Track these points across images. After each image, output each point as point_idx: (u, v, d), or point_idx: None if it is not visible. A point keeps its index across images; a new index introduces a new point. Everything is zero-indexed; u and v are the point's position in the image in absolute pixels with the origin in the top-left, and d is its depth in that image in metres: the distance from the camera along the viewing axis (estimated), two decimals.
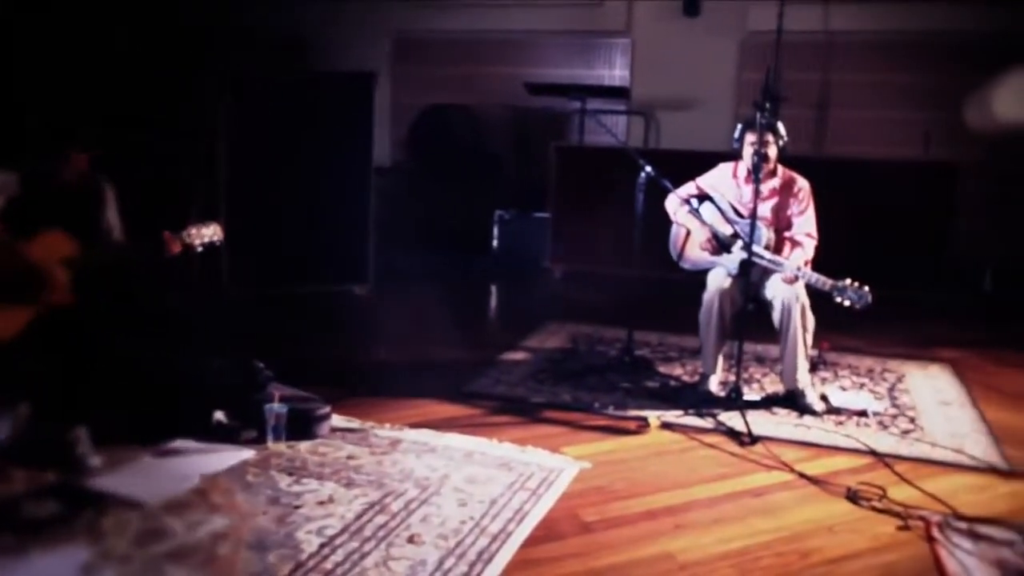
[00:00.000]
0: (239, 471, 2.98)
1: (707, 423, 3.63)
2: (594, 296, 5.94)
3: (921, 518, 2.81)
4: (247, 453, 3.11)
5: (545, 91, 7.03)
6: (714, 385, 4.00)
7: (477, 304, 5.95)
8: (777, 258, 3.83)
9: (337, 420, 3.46)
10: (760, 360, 4.57)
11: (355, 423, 3.47)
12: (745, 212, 3.96)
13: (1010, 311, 5.93)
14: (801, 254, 3.91)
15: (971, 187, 6.45)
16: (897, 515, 2.83)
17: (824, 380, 4.27)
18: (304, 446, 3.22)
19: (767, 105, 3.64)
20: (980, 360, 4.78)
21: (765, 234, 3.91)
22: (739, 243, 3.93)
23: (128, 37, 6.65)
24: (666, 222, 4.25)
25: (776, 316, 3.87)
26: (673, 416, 3.68)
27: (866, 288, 3.63)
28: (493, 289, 6.49)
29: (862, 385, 4.21)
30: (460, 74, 8.15)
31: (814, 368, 4.37)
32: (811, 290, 3.79)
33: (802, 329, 3.81)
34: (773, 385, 4.13)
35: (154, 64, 6.58)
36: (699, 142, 6.67)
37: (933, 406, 3.94)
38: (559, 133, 7.68)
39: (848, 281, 3.65)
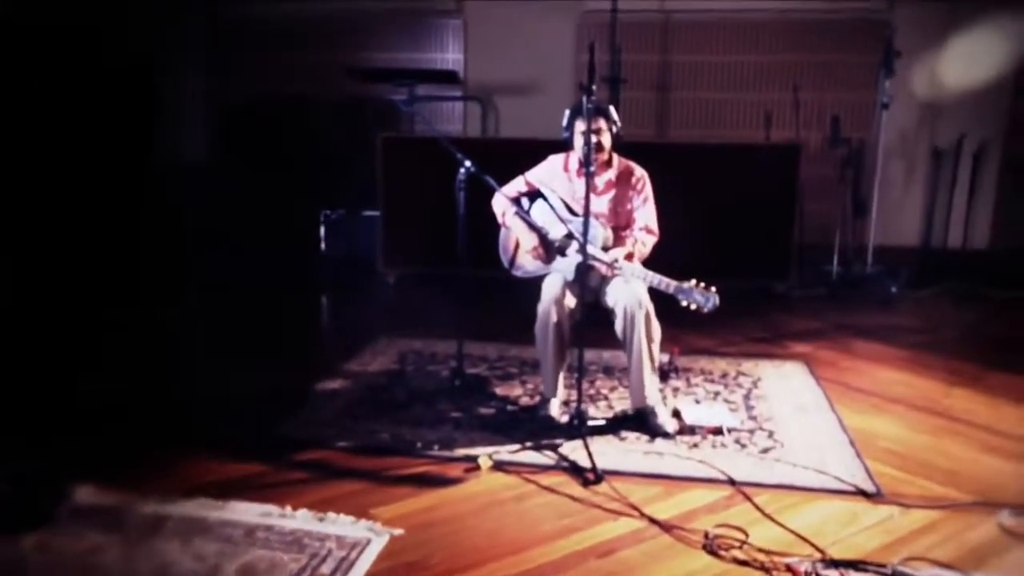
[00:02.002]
0: None
1: (547, 458, 3.13)
2: (429, 304, 5.36)
3: (788, 568, 2.40)
4: None
5: (367, 77, 6.36)
6: (555, 409, 3.51)
7: (299, 319, 5.24)
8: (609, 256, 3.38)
9: (85, 495, 2.73)
10: (608, 371, 4.13)
11: (109, 498, 2.75)
12: (579, 209, 3.49)
13: (854, 296, 5.80)
14: (625, 248, 3.46)
15: (816, 170, 6.30)
16: (761, 567, 2.42)
17: (676, 391, 3.88)
18: (30, 540, 2.49)
19: (594, 88, 3.16)
20: (832, 352, 4.54)
21: (602, 233, 3.44)
22: (575, 245, 3.45)
23: None
24: (493, 222, 3.72)
25: (619, 325, 3.41)
26: (508, 452, 3.17)
27: (712, 289, 3.22)
28: (321, 299, 5.79)
29: (716, 394, 3.84)
30: (283, 61, 7.34)
31: (665, 377, 3.98)
32: (656, 292, 3.35)
33: (647, 340, 3.37)
34: (622, 401, 3.69)
35: None
36: (542, 129, 6.17)
37: (791, 414, 3.61)
38: (395, 124, 7.03)
39: (693, 282, 3.24)
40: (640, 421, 3.44)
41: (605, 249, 3.43)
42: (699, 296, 3.21)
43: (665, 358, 4.00)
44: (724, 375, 4.11)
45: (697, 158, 5.78)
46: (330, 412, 3.56)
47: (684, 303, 3.24)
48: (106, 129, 6.01)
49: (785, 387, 3.95)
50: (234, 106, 7.21)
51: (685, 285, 3.23)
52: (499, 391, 3.86)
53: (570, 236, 3.51)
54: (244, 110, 7.27)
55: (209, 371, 4.13)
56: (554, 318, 3.41)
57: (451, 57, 7.28)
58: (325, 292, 5.91)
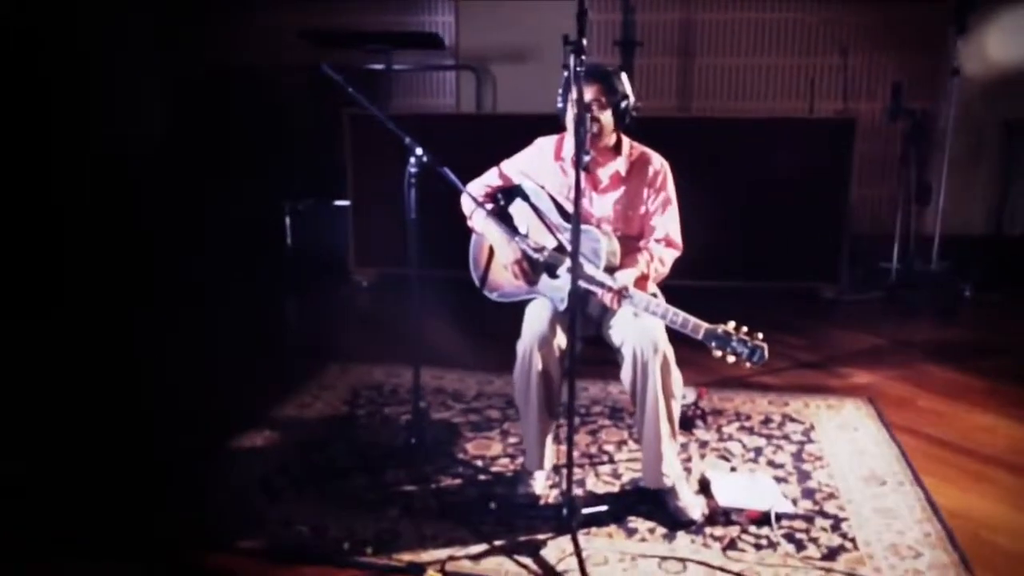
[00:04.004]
0: None
1: (523, 571, 2.22)
2: (402, 316, 4.43)
3: None
4: None
5: (327, 41, 5.40)
6: (540, 486, 2.59)
7: (238, 335, 4.27)
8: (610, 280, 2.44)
9: None
10: (616, 414, 3.20)
11: None
12: (584, 214, 2.58)
13: (917, 302, 4.81)
14: (638, 268, 2.53)
15: (866, 147, 5.30)
16: None
17: (704, 447, 2.94)
18: None
19: (583, 43, 2.20)
20: (901, 384, 3.57)
21: (606, 245, 2.50)
22: (568, 262, 2.52)
23: None
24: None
25: (626, 373, 2.48)
26: (469, 558, 2.26)
27: (759, 337, 2.28)
28: (276, 307, 4.86)
29: (758, 452, 2.90)
30: (244, 28, 6.30)
31: (689, 425, 3.05)
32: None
33: (664, 396, 2.44)
34: (634, 462, 2.77)
35: None
36: (547, 103, 5.21)
37: (861, 487, 2.66)
38: (375, 100, 6.01)
39: (731, 325, 2.29)
40: (656, 502, 2.52)
41: (610, 270, 2.49)
42: (740, 346, 2.26)
43: (689, 397, 3.08)
44: (766, 421, 3.17)
45: (727, 136, 4.81)
46: (238, 488, 2.66)
47: (718, 353, 2.30)
48: (40, 113, 5.13)
49: (848, 440, 3.00)
50: (188, 81, 6.25)
51: (720, 329, 2.28)
52: (471, 448, 2.94)
53: (561, 249, 2.57)
54: (200, 85, 6.31)
55: (80, 427, 3.16)
56: (539, 365, 2.48)
57: (440, 20, 6.30)
58: (284, 296, 5.00)
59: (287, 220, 5.56)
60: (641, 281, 2.51)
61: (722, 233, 4.51)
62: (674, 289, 2.70)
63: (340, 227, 5.24)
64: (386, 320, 4.38)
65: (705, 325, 2.30)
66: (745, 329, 2.29)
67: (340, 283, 5.06)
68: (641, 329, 2.44)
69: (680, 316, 2.34)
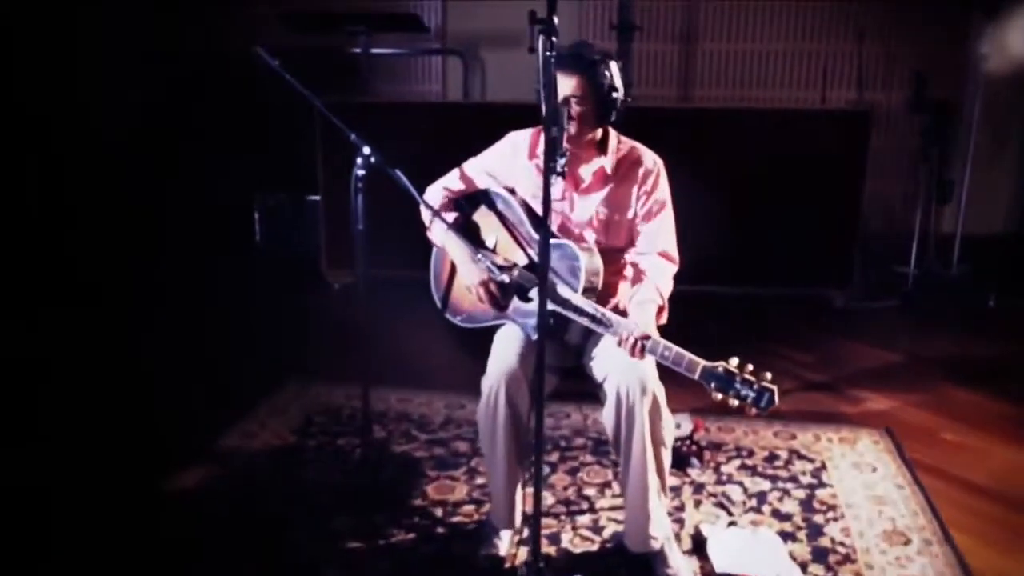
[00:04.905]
0: None
1: None
2: (374, 324, 4.04)
3: None
4: None
5: (304, 24, 5.00)
6: (505, 546, 2.22)
7: (193, 348, 3.83)
8: (603, 311, 2.05)
9: None
10: (599, 449, 2.82)
11: None
12: (562, 219, 2.21)
13: (936, 310, 4.41)
14: (648, 301, 2.15)
15: (888, 142, 4.90)
16: None
17: (699, 491, 2.57)
18: None
19: (554, 22, 1.80)
20: (923, 412, 3.19)
21: (584, 260, 2.11)
22: (564, 291, 2.13)
23: None
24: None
25: (608, 414, 2.10)
26: None
27: (768, 377, 1.89)
28: (240, 313, 4.43)
29: (761, 499, 2.53)
30: (226, 11, 5.87)
31: (682, 464, 2.68)
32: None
33: (652, 445, 2.06)
34: (618, 511, 2.39)
35: None
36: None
37: (882, 548, 2.28)
38: (355, 86, 5.58)
39: (734, 362, 1.91)
40: (641, 565, 2.14)
41: (591, 290, 2.11)
42: (744, 388, 1.88)
43: (683, 429, 2.70)
44: (772, 457, 2.78)
45: (731, 127, 4.44)
46: (150, 551, 2.29)
47: (718, 396, 1.91)
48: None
49: (865, 484, 2.62)
50: (159, 67, 5.81)
51: (721, 367, 1.90)
52: (432, 491, 2.56)
53: (534, 267, 2.19)
54: (174, 70, 5.89)
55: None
56: (506, 407, 2.09)
57: (427, 3, 5.87)
58: (249, 300, 4.59)
59: (256, 215, 5.17)
60: (657, 314, 2.15)
61: (723, 233, 4.14)
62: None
63: (314, 224, 4.86)
64: (356, 331, 3.95)
65: (702, 363, 1.92)
66: (751, 368, 1.90)
67: (312, 286, 4.67)
68: (627, 364, 2.05)
69: (672, 351, 1.96)
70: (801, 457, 2.79)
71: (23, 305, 4.18)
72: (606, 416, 2.11)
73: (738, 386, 1.88)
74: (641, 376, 2.03)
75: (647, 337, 1.97)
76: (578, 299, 2.07)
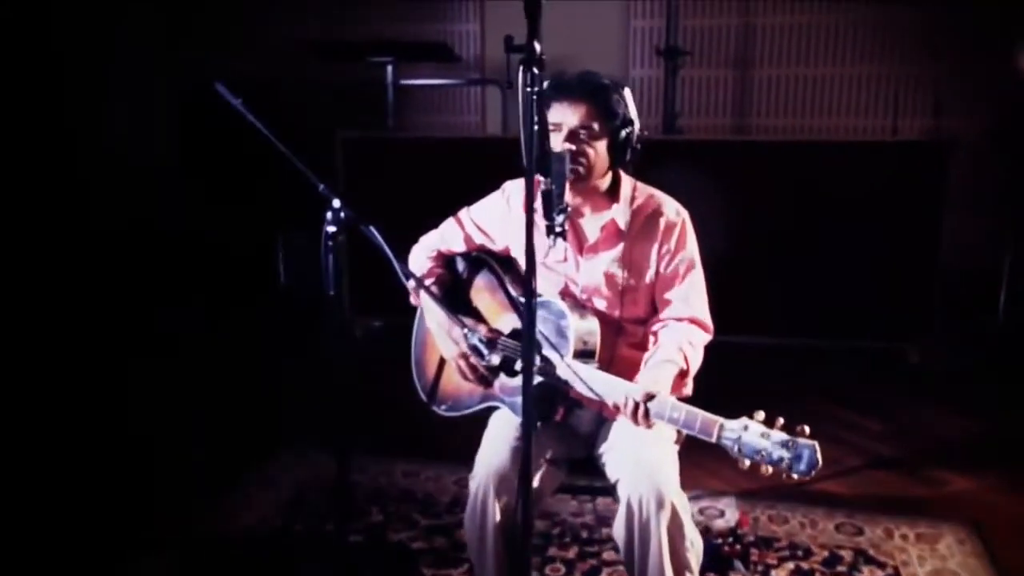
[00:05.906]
0: None
1: None
2: (390, 378, 3.68)
3: None
4: None
5: (332, 54, 4.75)
6: None
7: (189, 406, 3.50)
8: (616, 379, 1.67)
9: None
10: (599, 528, 2.39)
11: None
12: (565, 283, 1.85)
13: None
14: (666, 361, 1.75)
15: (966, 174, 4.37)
16: None
17: None
18: None
19: (536, 49, 1.45)
20: (1017, 500, 2.69)
21: (573, 323, 1.74)
22: (552, 356, 1.75)
23: None
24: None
25: (619, 528, 1.70)
26: None
27: (807, 432, 1.47)
28: (252, 365, 4.10)
29: None
30: (242, 35, 5.60)
31: (725, 569, 2.24)
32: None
33: (672, 570, 1.65)
34: None
35: None
36: None
37: None
38: (384, 117, 5.28)
39: (759, 417, 1.50)
40: None
41: (586, 353, 1.72)
42: (776, 448, 1.47)
43: (726, 518, 2.28)
44: (832, 560, 2.33)
45: (791, 161, 3.98)
46: None
47: (746, 463, 1.50)
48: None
49: None
50: (186, 95, 5.63)
51: (743, 424, 1.49)
52: None
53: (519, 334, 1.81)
54: (197, 101, 5.68)
55: None
56: (496, 515, 1.72)
57: (463, 28, 5.59)
58: (264, 349, 4.29)
59: (279, 254, 4.91)
60: (678, 379, 1.75)
61: (778, 278, 3.70)
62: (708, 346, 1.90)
63: (337, 265, 4.54)
64: (375, 388, 3.58)
65: (720, 420, 1.52)
66: (782, 422, 1.49)
67: (331, 332, 4.34)
68: (639, 466, 1.66)
69: (682, 411, 1.56)
70: (869, 560, 2.32)
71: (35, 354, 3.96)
72: (617, 530, 1.71)
73: (769, 447, 1.47)
74: (657, 484, 1.63)
75: (651, 397, 1.58)
76: (569, 365, 1.69)
